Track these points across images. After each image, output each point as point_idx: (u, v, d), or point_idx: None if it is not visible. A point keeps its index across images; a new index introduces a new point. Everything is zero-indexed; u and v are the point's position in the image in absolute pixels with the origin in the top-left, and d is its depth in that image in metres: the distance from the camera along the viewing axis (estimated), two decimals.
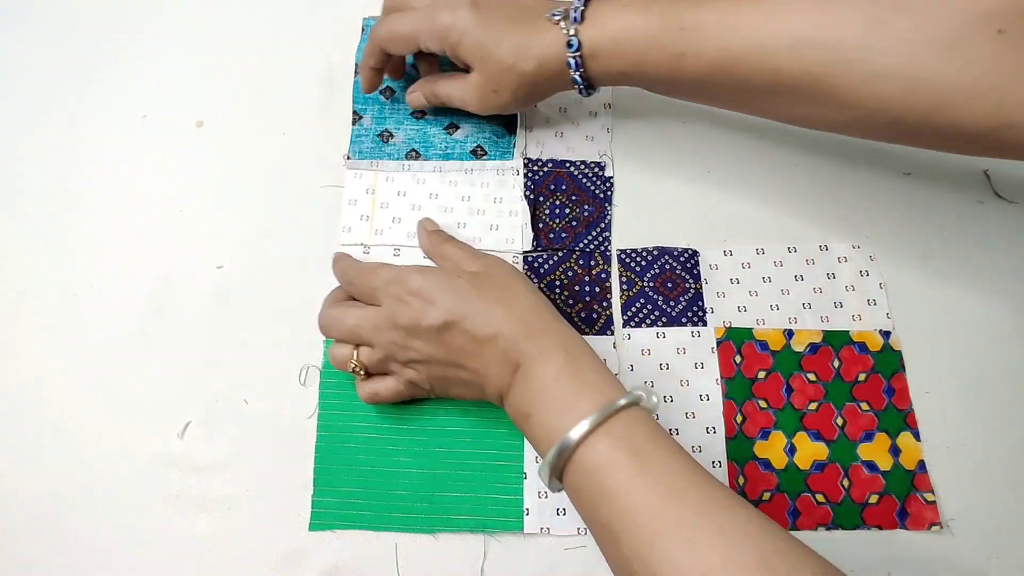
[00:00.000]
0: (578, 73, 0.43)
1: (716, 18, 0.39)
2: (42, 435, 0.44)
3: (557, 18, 0.43)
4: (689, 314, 0.48)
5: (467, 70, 0.46)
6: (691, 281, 0.49)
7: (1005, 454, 0.45)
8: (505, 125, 0.52)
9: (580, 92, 0.45)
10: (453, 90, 0.47)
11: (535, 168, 0.51)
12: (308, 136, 0.52)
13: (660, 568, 0.30)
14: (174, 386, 0.45)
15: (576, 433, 0.34)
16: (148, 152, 0.51)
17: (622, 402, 0.34)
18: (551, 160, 0.52)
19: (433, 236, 0.46)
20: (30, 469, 0.43)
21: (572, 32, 0.42)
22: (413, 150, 0.52)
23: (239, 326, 0.47)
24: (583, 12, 0.42)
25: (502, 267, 0.42)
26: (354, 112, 0.53)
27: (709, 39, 0.39)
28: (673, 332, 0.47)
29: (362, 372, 0.42)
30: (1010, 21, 0.33)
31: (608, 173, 0.52)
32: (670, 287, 0.48)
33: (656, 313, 0.48)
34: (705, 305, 0.48)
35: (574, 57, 0.42)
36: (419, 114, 0.52)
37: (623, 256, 0.49)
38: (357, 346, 0.42)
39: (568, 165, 0.52)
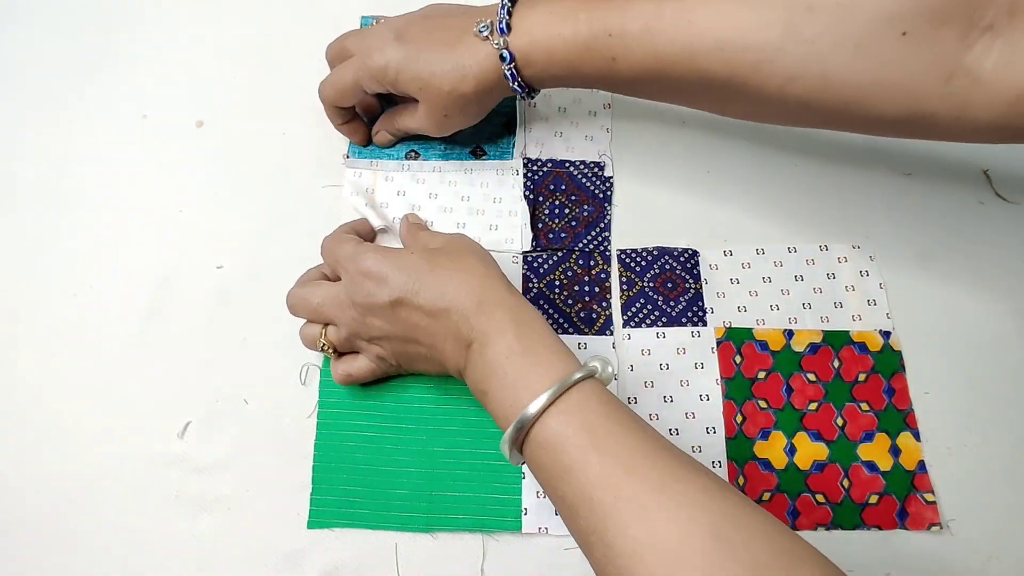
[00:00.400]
0: (516, 83, 0.44)
1: (641, 24, 0.40)
2: (42, 435, 0.44)
3: (485, 33, 0.43)
4: (689, 314, 0.48)
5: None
6: (691, 281, 0.49)
7: (1005, 454, 0.45)
8: (504, 125, 0.53)
9: (522, 98, 0.46)
10: (411, 122, 0.48)
11: (535, 168, 0.51)
12: (308, 136, 0.52)
13: (615, 541, 0.31)
14: (174, 386, 0.45)
15: (532, 409, 0.34)
16: (148, 152, 0.51)
17: (576, 376, 0.35)
18: (551, 160, 0.52)
19: (412, 227, 0.47)
20: (30, 469, 0.43)
21: (503, 45, 0.43)
22: (412, 151, 0.52)
23: (239, 326, 0.47)
24: (508, 22, 0.43)
25: (460, 242, 0.42)
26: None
27: (637, 44, 0.40)
28: (673, 332, 0.47)
29: (331, 351, 0.43)
30: (912, 23, 0.35)
31: (608, 173, 0.52)
32: (670, 287, 0.48)
33: (656, 313, 0.48)
34: (705, 305, 0.48)
35: (509, 69, 0.43)
36: None
37: (623, 256, 0.49)
38: (325, 326, 0.43)
39: (568, 165, 0.52)
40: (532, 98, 0.46)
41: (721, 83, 0.39)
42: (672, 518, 0.30)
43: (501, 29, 0.43)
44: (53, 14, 0.56)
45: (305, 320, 0.44)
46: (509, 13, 0.43)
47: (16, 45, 0.55)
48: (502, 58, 0.43)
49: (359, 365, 0.43)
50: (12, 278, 0.48)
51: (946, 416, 0.46)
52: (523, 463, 0.37)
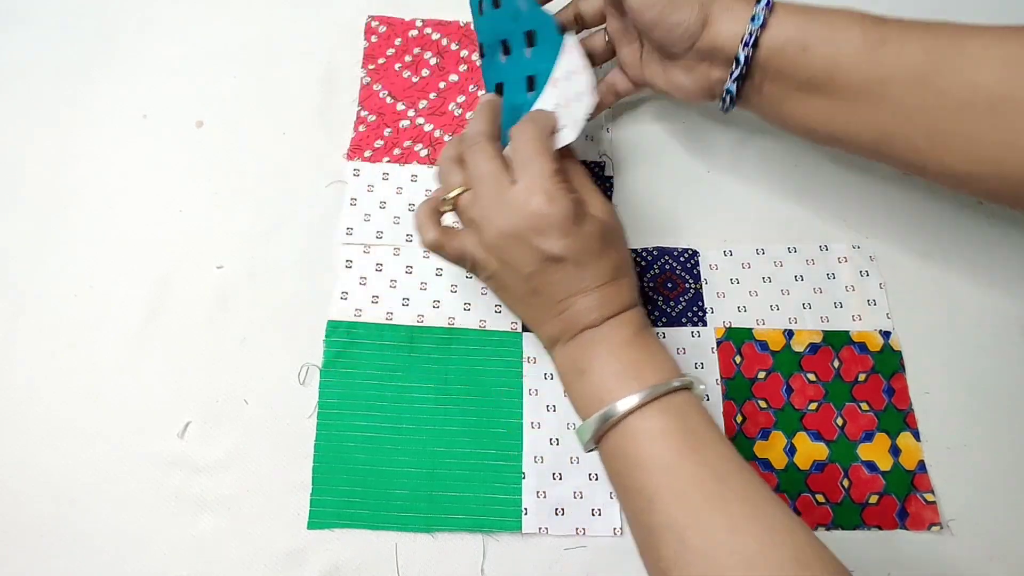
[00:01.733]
0: (745, 49, 0.39)
1: (922, 26, 0.38)
2: (41, 435, 0.44)
3: None
4: (689, 314, 0.48)
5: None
6: (691, 281, 0.49)
7: (1005, 454, 0.45)
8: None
9: (727, 96, 0.42)
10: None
11: None
12: (308, 136, 0.52)
13: (693, 541, 0.31)
14: (174, 386, 0.45)
15: (629, 401, 0.35)
16: (148, 152, 0.51)
17: (676, 383, 0.36)
18: None
19: (538, 127, 0.40)
20: (30, 469, 0.43)
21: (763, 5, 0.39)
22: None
23: (239, 326, 0.47)
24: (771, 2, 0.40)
25: (619, 231, 0.41)
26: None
27: (913, 37, 0.37)
28: (673, 332, 0.47)
29: (450, 209, 0.40)
30: None
31: (608, 173, 0.52)
32: (670, 287, 0.48)
33: (656, 313, 0.48)
34: (705, 305, 0.48)
35: (754, 33, 0.39)
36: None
37: None
38: (461, 193, 0.39)
39: None
40: (725, 107, 0.43)
41: (988, 105, 0.35)
42: (759, 534, 0.31)
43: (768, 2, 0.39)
44: (53, 14, 0.55)
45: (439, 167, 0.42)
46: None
47: (16, 45, 0.54)
48: (753, 18, 0.39)
49: (454, 246, 0.40)
50: (12, 278, 0.48)
51: (946, 416, 0.46)
52: (593, 449, 0.38)
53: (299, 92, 0.53)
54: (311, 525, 0.42)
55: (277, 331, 0.46)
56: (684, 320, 0.48)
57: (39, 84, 0.53)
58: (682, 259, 0.49)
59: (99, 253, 0.48)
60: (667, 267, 0.49)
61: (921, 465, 0.44)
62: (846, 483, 0.44)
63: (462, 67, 0.54)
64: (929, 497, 0.43)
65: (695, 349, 0.47)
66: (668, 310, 0.48)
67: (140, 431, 0.44)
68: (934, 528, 0.43)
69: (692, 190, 0.51)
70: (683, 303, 0.48)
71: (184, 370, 0.45)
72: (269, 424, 0.44)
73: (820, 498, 0.44)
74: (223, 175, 0.51)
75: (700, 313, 0.48)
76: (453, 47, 0.55)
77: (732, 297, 0.48)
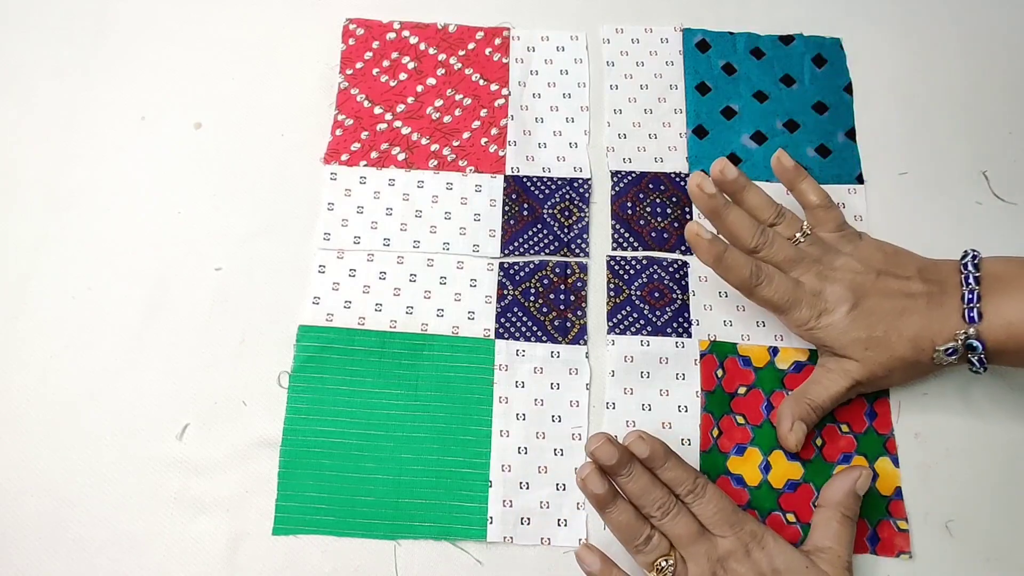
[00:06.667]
0: (981, 369, 0.42)
1: None
2: (41, 437, 0.44)
3: (952, 357, 0.41)
4: (675, 324, 0.47)
5: None
6: (678, 292, 0.48)
7: (1005, 454, 0.44)
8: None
9: (974, 372, 0.43)
10: (829, 386, 0.43)
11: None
12: (307, 137, 0.52)
13: None
14: (172, 388, 0.45)
15: None
16: (146, 154, 0.51)
17: None
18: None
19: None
20: (28, 471, 0.43)
21: (973, 335, 0.40)
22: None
23: (238, 327, 0.47)
24: (979, 309, 0.41)
25: None
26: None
27: None
28: (657, 341, 0.47)
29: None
30: None
31: (586, 175, 0.51)
32: (656, 296, 0.48)
33: (641, 322, 0.48)
34: (691, 317, 0.48)
35: (978, 357, 0.41)
36: None
37: (612, 263, 0.49)
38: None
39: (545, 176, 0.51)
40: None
41: None
42: None
43: (971, 317, 0.41)
44: (51, 15, 0.55)
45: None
46: (979, 297, 0.41)
47: (15, 45, 0.54)
48: (971, 348, 0.41)
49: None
50: (10, 280, 0.48)
51: (946, 416, 0.45)
52: None
53: (298, 94, 0.53)
54: (276, 531, 0.43)
55: (276, 332, 0.47)
56: (669, 330, 0.47)
57: (38, 85, 0.53)
58: (671, 270, 0.49)
59: (97, 255, 0.48)
60: (655, 277, 0.48)
61: (898, 492, 0.44)
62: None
63: (439, 71, 0.53)
64: (902, 524, 0.43)
65: (678, 360, 0.47)
66: (654, 319, 0.48)
67: (139, 433, 0.44)
68: (903, 556, 0.43)
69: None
70: (669, 313, 0.48)
71: (183, 372, 0.46)
72: (268, 426, 0.45)
73: (791, 517, 0.44)
74: (222, 177, 0.51)
75: (685, 324, 0.47)
76: (431, 51, 0.54)
77: (719, 310, 0.48)
